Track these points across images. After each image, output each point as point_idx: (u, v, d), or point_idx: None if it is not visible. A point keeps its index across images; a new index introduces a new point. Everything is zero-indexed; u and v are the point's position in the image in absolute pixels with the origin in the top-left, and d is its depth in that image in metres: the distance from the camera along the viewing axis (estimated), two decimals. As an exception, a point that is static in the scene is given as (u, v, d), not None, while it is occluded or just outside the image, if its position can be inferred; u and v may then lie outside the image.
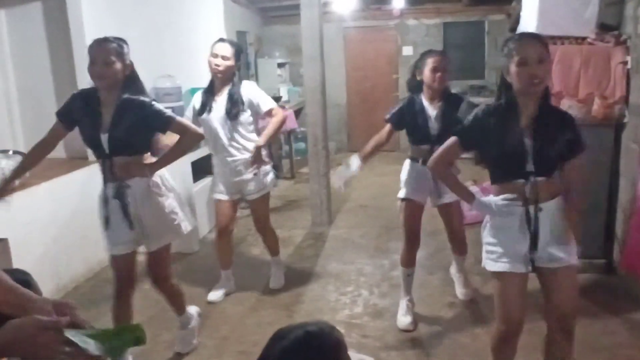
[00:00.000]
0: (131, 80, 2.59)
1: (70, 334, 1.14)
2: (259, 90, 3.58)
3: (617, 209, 3.77)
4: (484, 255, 2.31)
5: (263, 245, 4.03)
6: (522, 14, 4.31)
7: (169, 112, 2.68)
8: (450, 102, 3.14)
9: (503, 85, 2.20)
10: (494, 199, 2.26)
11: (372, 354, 2.95)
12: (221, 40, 3.46)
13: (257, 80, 8.11)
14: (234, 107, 3.40)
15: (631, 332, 3.12)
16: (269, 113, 3.52)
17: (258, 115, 3.58)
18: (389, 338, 3.20)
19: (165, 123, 2.62)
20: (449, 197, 3.19)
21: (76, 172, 4.05)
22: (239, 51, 3.47)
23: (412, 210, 3.27)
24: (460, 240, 3.50)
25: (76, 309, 1.25)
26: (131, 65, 2.59)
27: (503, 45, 2.19)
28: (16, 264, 2.83)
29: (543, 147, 2.12)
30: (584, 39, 3.76)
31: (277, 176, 7.50)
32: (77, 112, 2.60)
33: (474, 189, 5.41)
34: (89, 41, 3.99)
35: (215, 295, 3.73)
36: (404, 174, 3.32)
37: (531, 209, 2.15)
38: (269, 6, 8.51)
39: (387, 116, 3.30)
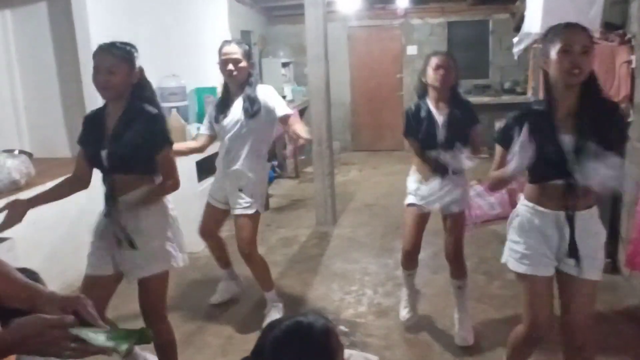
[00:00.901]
0: (140, 88, 2.37)
1: (75, 332, 1.15)
2: (276, 93, 3.30)
3: (622, 208, 3.77)
4: (506, 252, 2.26)
5: (265, 245, 4.02)
6: (526, 12, 4.30)
7: (169, 137, 2.39)
8: (457, 106, 3.01)
9: (543, 82, 2.10)
10: (523, 204, 2.19)
11: (377, 353, 2.95)
12: (227, 42, 3.23)
13: (261, 79, 8.12)
14: (253, 105, 3.16)
15: (638, 332, 3.12)
16: (284, 120, 3.21)
17: (272, 126, 3.35)
18: (393, 337, 3.20)
19: (161, 146, 2.35)
20: (454, 207, 3.02)
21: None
22: (249, 50, 3.25)
23: (418, 218, 3.10)
24: (458, 258, 3.16)
25: (87, 304, 1.24)
26: (140, 71, 2.37)
27: (547, 31, 2.08)
28: (23, 263, 2.83)
29: (584, 144, 1.96)
30: (588, 38, 3.75)
31: (281, 175, 7.53)
32: (88, 133, 2.43)
33: (478, 188, 5.45)
34: (94, 41, 4.07)
35: (215, 298, 3.67)
36: (411, 181, 3.16)
37: (563, 215, 2.06)
38: (273, 6, 8.52)
39: (403, 131, 3.14)
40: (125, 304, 3.17)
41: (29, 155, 3.90)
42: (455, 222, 3.10)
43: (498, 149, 2.20)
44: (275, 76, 8.20)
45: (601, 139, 1.95)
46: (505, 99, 8.11)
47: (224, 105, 3.27)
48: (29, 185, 3.55)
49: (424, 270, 3.76)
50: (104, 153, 2.33)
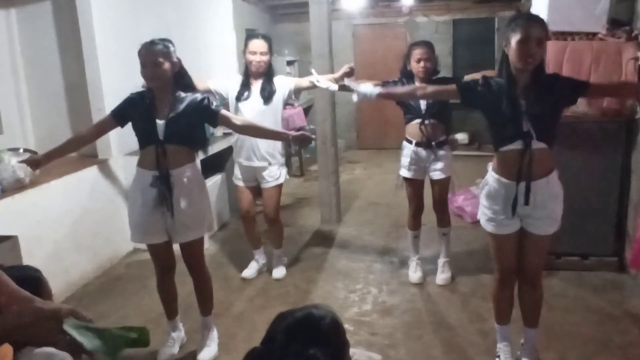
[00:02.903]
0: (181, 76, 2.76)
1: (69, 324, 1.15)
2: (287, 79, 3.91)
3: (629, 206, 3.74)
4: (479, 212, 2.64)
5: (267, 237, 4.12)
6: (532, 10, 4.28)
7: (217, 105, 2.86)
8: (438, 81, 3.45)
9: (504, 61, 2.42)
10: (490, 174, 2.55)
11: (381, 351, 2.94)
12: (254, 36, 3.70)
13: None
14: (268, 91, 3.67)
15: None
16: (304, 81, 3.77)
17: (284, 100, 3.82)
18: (398, 336, 3.19)
19: (214, 115, 2.80)
20: (439, 173, 3.67)
21: (87, 170, 4.08)
22: (271, 44, 3.74)
23: (414, 187, 3.76)
24: (442, 209, 3.82)
25: (78, 313, 1.24)
26: (179, 62, 2.75)
27: (510, 20, 2.40)
28: (26, 261, 2.84)
29: (536, 106, 2.35)
30: (594, 34, 3.73)
31: (287, 173, 7.52)
32: (132, 108, 2.78)
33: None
34: (98, 38, 4.09)
35: (248, 272, 4.04)
36: (402, 156, 3.74)
37: (522, 186, 2.41)
38: (277, 4, 8.50)
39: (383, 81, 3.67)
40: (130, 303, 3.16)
41: (34, 153, 3.89)
42: (440, 186, 3.74)
43: (453, 86, 2.68)
44: (279, 74, 8.17)
45: (550, 105, 2.38)
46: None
47: (245, 88, 3.71)
48: (33, 183, 3.56)
49: (429, 266, 3.75)
50: (160, 123, 2.68)
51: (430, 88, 3.02)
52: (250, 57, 3.65)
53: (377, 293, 3.75)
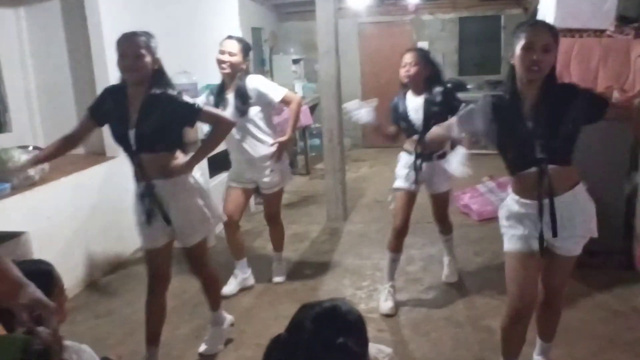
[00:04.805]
0: (159, 75, 2.56)
1: None
2: (266, 81, 3.53)
3: (637, 204, 3.73)
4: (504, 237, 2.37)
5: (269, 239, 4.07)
6: (539, 7, 4.27)
7: (196, 102, 2.67)
8: (435, 96, 3.30)
9: (510, 75, 2.22)
10: (510, 196, 2.32)
11: (388, 347, 2.95)
12: (229, 37, 3.47)
13: (272, 76, 8.13)
14: (243, 104, 3.40)
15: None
16: (284, 102, 3.52)
17: (271, 108, 3.59)
18: (405, 332, 3.20)
19: (194, 114, 2.58)
20: (440, 187, 3.48)
21: (95, 167, 4.11)
22: (247, 48, 3.46)
23: (404, 200, 3.42)
24: (444, 220, 3.71)
25: (54, 314, 1.34)
26: (159, 60, 2.57)
27: (515, 28, 2.20)
28: (37, 257, 2.87)
29: (547, 131, 2.11)
30: (602, 31, 3.71)
31: (292, 172, 7.54)
32: (107, 107, 2.60)
33: (489, 184, 5.43)
34: (106, 36, 4.11)
35: (227, 288, 3.70)
36: (399, 167, 3.51)
37: (545, 202, 2.16)
38: (283, 2, 8.51)
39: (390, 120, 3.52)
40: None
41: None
42: (441, 200, 3.59)
43: (455, 120, 2.39)
44: (285, 73, 8.21)
45: (565, 125, 2.11)
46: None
47: (219, 98, 3.48)
48: (43, 180, 3.58)
49: (433, 264, 3.75)
50: (131, 133, 2.50)
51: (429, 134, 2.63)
52: (218, 56, 3.42)
53: (384, 290, 3.75)
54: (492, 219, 4.77)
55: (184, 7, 5.32)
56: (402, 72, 3.34)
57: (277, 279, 3.95)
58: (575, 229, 2.22)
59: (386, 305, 3.43)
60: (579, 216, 2.22)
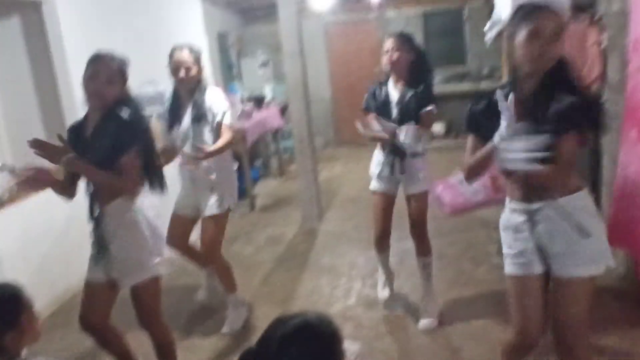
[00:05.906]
0: (124, 103, 2.31)
1: None
2: (222, 99, 3.27)
3: (602, 186, 3.82)
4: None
5: (253, 245, 4.04)
6: (496, -2, 4.32)
7: (133, 146, 2.29)
8: (415, 86, 3.10)
9: (510, 64, 1.93)
10: (506, 202, 2.07)
11: (367, 343, 3.00)
12: (179, 48, 3.18)
13: (241, 80, 8.13)
14: (200, 112, 3.18)
15: (621, 306, 3.16)
16: (220, 127, 3.21)
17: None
18: (382, 328, 3.24)
19: (125, 149, 2.26)
20: (416, 187, 3.19)
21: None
22: (199, 55, 3.24)
23: (383, 205, 3.25)
24: (421, 232, 3.26)
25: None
26: (127, 89, 2.37)
27: (514, 13, 1.90)
28: (11, 276, 2.84)
29: (538, 127, 1.76)
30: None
31: (266, 175, 7.54)
32: (70, 143, 2.36)
33: (461, 175, 5.48)
34: (68, 51, 4.07)
35: (201, 295, 3.73)
36: (373, 165, 3.29)
37: (535, 205, 1.90)
38: (247, 6, 8.50)
39: (363, 105, 3.30)
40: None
41: (12, 168, 3.86)
42: (417, 202, 3.21)
43: (469, 136, 2.09)
44: (254, 76, 8.21)
45: (556, 127, 1.76)
46: (485, 85, 8.17)
47: (175, 114, 3.25)
48: (12, 199, 3.54)
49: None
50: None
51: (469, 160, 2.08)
52: (174, 71, 3.17)
53: (360, 287, 3.80)
54: (465, 210, 4.84)
55: (148, 16, 5.29)
56: (384, 59, 3.12)
57: (228, 330, 3.33)
58: (573, 244, 1.87)
59: (383, 294, 3.48)
60: (576, 228, 1.86)
